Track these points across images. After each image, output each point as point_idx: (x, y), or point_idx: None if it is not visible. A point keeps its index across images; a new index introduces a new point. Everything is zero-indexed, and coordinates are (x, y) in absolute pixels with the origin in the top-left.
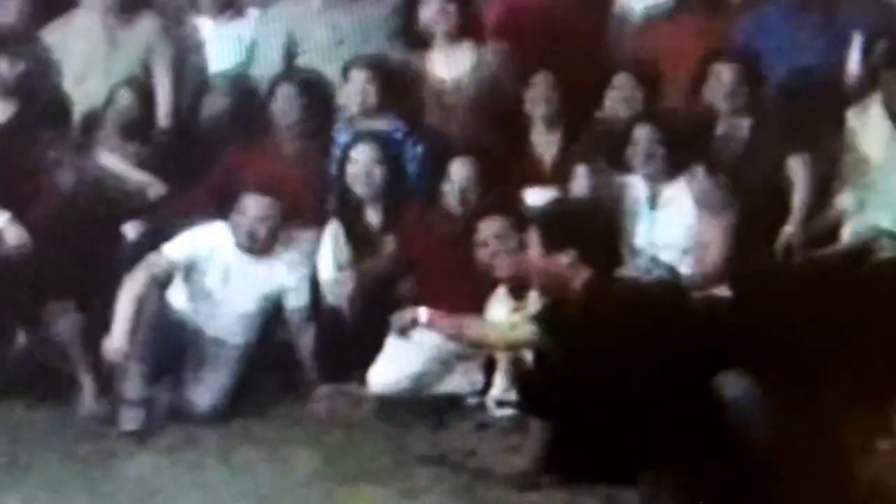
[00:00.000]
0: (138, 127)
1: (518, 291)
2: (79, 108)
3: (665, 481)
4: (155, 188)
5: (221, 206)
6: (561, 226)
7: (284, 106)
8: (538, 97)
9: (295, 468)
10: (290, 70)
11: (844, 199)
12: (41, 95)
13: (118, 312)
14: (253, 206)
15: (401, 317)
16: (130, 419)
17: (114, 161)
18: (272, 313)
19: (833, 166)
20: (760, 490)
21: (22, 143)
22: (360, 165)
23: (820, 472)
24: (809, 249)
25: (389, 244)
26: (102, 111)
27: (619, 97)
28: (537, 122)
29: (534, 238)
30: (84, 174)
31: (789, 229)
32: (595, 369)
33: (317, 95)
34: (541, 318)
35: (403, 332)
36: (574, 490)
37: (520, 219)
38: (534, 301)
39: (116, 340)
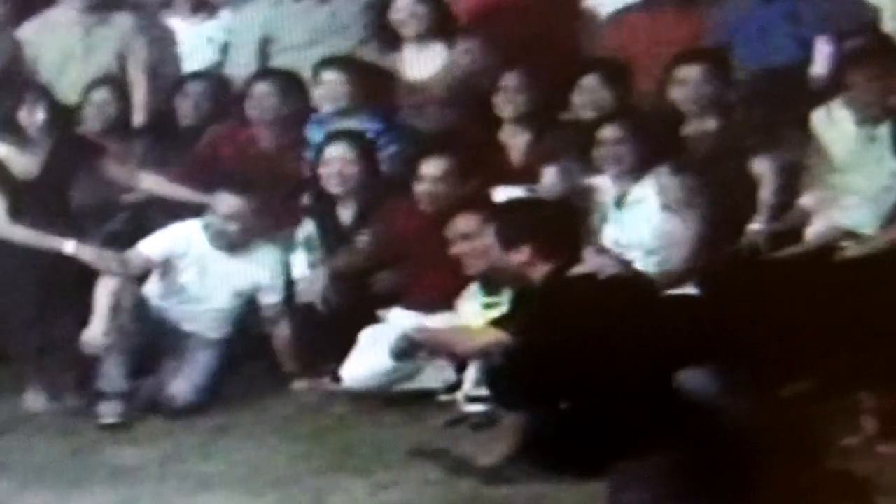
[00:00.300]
0: (115, 123)
1: (491, 287)
2: None
3: (633, 472)
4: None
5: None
6: (517, 222)
7: (261, 103)
8: (508, 97)
9: (272, 460)
10: (266, 69)
11: (809, 199)
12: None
13: (95, 306)
14: (224, 205)
15: (399, 341)
16: (109, 412)
17: None
18: (248, 309)
19: (799, 166)
20: (726, 482)
21: None
22: (334, 164)
23: (786, 466)
24: (775, 248)
25: (363, 241)
26: (80, 107)
27: (587, 97)
28: (508, 122)
29: (491, 233)
30: None
31: (755, 228)
32: (561, 362)
33: (293, 94)
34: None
35: (401, 355)
36: (544, 483)
37: (491, 216)
38: (506, 295)
39: (94, 333)
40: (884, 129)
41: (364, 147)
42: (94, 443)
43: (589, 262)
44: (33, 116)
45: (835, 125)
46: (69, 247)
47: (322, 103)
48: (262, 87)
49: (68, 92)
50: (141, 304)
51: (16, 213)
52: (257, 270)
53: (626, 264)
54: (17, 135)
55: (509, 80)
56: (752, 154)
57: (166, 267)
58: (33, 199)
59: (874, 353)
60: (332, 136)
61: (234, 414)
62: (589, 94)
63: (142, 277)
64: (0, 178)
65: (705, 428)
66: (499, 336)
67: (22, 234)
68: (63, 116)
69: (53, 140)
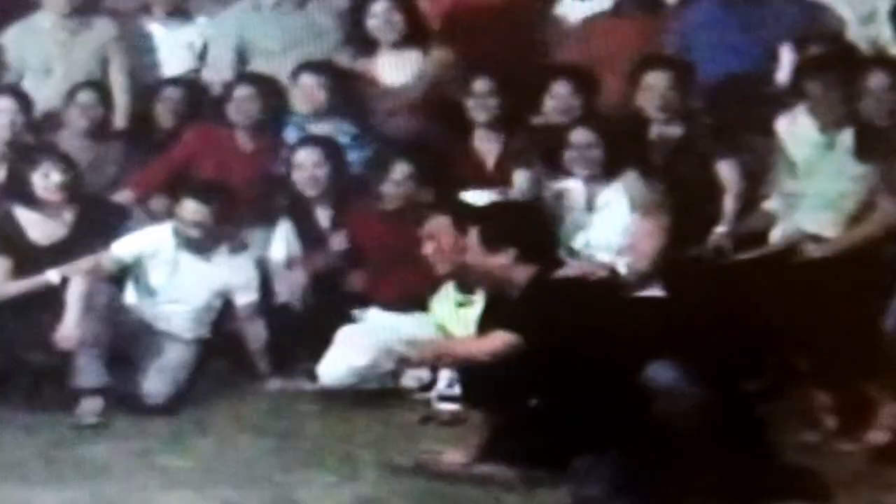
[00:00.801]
0: (98, 126)
1: (465, 287)
2: (39, 106)
3: (594, 465)
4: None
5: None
6: (501, 225)
7: (242, 107)
8: (480, 102)
9: (245, 456)
10: (247, 73)
11: (773, 203)
12: None
13: (68, 304)
14: (188, 211)
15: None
16: (89, 410)
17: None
18: (221, 308)
19: (762, 170)
20: (684, 475)
21: None
22: (306, 168)
23: (745, 461)
24: (739, 250)
25: (338, 241)
26: (63, 110)
27: (558, 102)
28: (479, 126)
29: (473, 237)
30: None
31: (720, 231)
32: (535, 362)
33: (272, 98)
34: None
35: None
36: (507, 485)
37: (461, 217)
38: (480, 296)
39: (67, 329)
40: (844, 136)
41: (332, 151)
42: (66, 439)
43: (575, 266)
44: (48, 180)
45: (797, 131)
46: (54, 276)
47: (299, 106)
48: (243, 91)
49: (50, 96)
50: (114, 303)
51: (19, 275)
52: (230, 270)
53: (610, 269)
54: (33, 200)
55: (480, 85)
56: (716, 158)
57: (138, 268)
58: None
59: (833, 352)
60: (302, 141)
61: (207, 411)
62: (559, 99)
63: (119, 279)
64: (10, 241)
65: (666, 422)
66: (508, 339)
67: (16, 287)
68: (79, 179)
69: (79, 205)
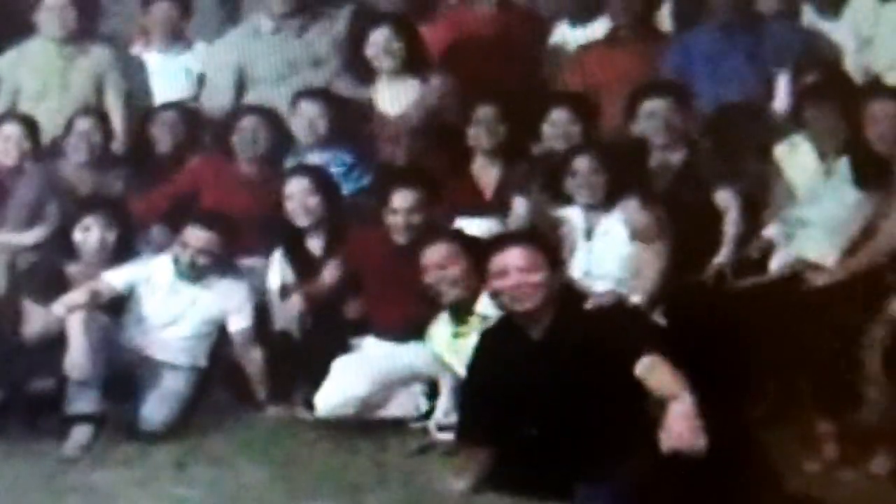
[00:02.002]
0: (97, 153)
1: (461, 316)
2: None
3: (595, 492)
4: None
5: (176, 213)
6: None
7: (247, 137)
8: (483, 128)
9: (245, 483)
10: (250, 105)
11: (773, 230)
12: None
13: (71, 334)
14: (195, 238)
15: None
16: (77, 440)
17: None
18: (217, 336)
19: (761, 198)
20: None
21: None
22: (296, 198)
23: (748, 489)
24: (739, 278)
25: (333, 269)
26: (62, 138)
27: (558, 130)
28: (480, 154)
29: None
30: None
31: (721, 259)
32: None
33: (275, 128)
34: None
35: None
36: None
37: (463, 245)
38: (476, 324)
39: (76, 358)
40: (843, 163)
41: (322, 180)
42: (66, 466)
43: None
44: (88, 234)
45: (797, 158)
46: (60, 310)
47: (299, 134)
48: (248, 122)
49: (46, 122)
50: (109, 332)
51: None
52: (224, 298)
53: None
54: (72, 254)
55: (483, 112)
56: (715, 186)
57: (132, 296)
58: None
59: (834, 381)
60: (293, 171)
61: (207, 439)
62: (559, 126)
63: (115, 308)
64: (56, 293)
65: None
66: None
67: (40, 329)
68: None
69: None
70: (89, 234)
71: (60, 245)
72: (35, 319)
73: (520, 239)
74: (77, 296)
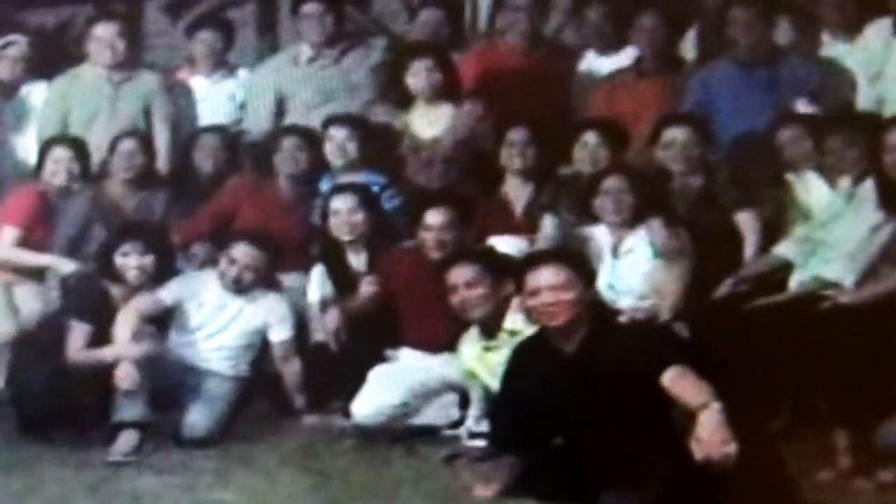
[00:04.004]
0: (140, 174)
1: (490, 331)
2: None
3: (624, 501)
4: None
5: (217, 234)
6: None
7: (289, 157)
8: (516, 150)
9: (284, 491)
10: (292, 126)
11: (789, 249)
12: None
13: (119, 346)
14: (242, 255)
15: None
16: (123, 447)
17: None
18: (260, 347)
19: (781, 220)
20: None
21: None
22: (342, 214)
23: (763, 498)
24: (758, 296)
25: (371, 284)
26: (108, 159)
27: (587, 153)
28: (511, 175)
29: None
30: None
31: (737, 277)
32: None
33: (314, 149)
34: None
35: None
36: None
37: (491, 265)
38: (505, 339)
39: (126, 370)
40: (864, 187)
41: (367, 198)
42: (112, 472)
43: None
44: (127, 260)
45: (812, 183)
46: (110, 354)
47: (331, 158)
48: (291, 142)
49: (96, 146)
50: (155, 343)
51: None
52: (266, 311)
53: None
54: (114, 277)
55: (516, 134)
56: (735, 209)
57: (177, 309)
58: None
59: (850, 395)
60: (337, 189)
61: (249, 446)
62: (589, 150)
63: (160, 318)
64: (100, 313)
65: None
66: None
67: (88, 356)
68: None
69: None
70: (128, 259)
71: (104, 267)
72: (79, 338)
73: (552, 257)
74: (127, 313)
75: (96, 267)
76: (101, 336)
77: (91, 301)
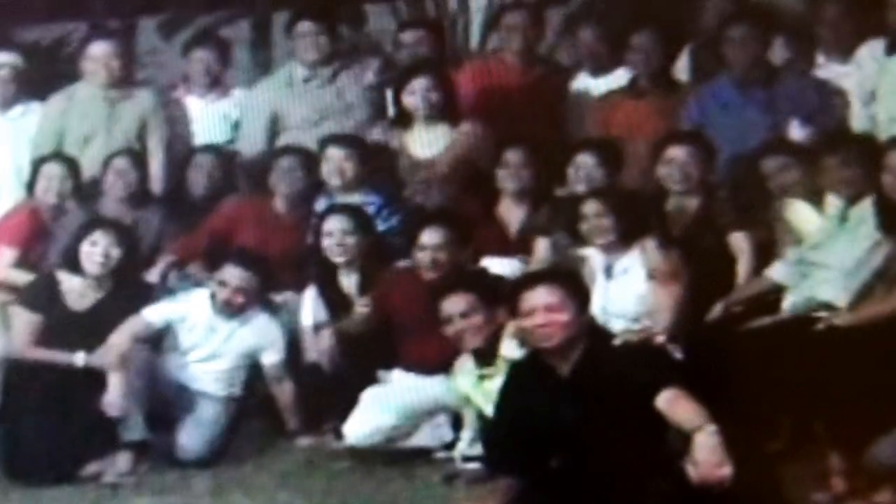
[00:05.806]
0: (133, 192)
1: (485, 358)
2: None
3: None
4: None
5: (212, 254)
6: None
7: (284, 176)
8: (511, 172)
9: None
10: (288, 146)
11: (782, 271)
12: None
13: (109, 371)
14: (233, 277)
15: None
16: (121, 465)
17: None
18: (252, 368)
19: (776, 241)
20: None
21: None
22: (334, 236)
23: None
24: (751, 318)
25: (364, 306)
26: (101, 177)
27: (582, 174)
28: (507, 196)
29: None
30: None
31: (733, 298)
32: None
33: (311, 169)
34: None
35: None
36: None
37: (486, 292)
38: (501, 367)
39: (112, 397)
40: (860, 208)
41: (361, 220)
42: (109, 492)
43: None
44: (94, 249)
45: (799, 214)
46: (79, 360)
47: (328, 177)
48: (287, 162)
49: (91, 164)
50: (150, 365)
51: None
52: (258, 333)
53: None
54: (76, 266)
55: (512, 156)
56: (729, 230)
57: (169, 331)
58: (79, 332)
59: (845, 416)
60: (331, 210)
61: (243, 468)
62: (584, 170)
63: (152, 340)
64: (46, 301)
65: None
66: None
67: (38, 354)
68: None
69: (113, 281)
70: (94, 248)
71: (69, 255)
72: (26, 328)
73: (547, 278)
74: (114, 338)
75: (62, 256)
76: (50, 331)
77: (39, 289)
